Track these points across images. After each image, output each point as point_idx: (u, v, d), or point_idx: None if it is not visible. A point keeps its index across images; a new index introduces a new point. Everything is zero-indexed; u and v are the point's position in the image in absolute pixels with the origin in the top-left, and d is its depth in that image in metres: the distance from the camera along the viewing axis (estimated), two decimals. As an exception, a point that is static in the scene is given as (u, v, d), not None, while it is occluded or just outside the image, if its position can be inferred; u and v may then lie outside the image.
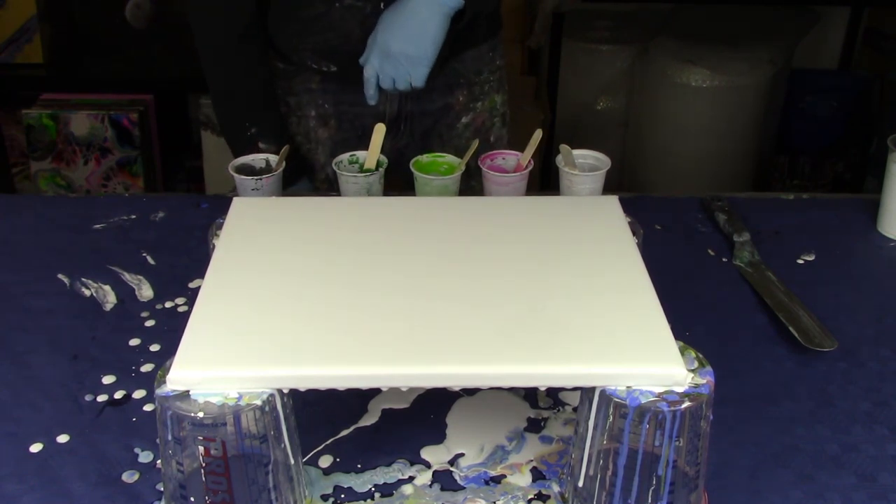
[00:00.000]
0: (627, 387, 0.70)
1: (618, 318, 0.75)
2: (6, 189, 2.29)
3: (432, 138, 1.39)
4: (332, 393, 0.73)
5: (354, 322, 0.75)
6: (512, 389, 0.92)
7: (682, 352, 0.72)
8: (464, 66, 1.35)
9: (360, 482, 0.82)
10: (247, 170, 1.15)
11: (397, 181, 1.41)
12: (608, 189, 1.15)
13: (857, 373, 0.97)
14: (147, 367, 0.96)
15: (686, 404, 0.69)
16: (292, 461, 0.74)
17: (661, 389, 0.70)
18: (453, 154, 1.19)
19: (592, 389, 0.71)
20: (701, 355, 0.74)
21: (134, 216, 1.26)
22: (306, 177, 1.37)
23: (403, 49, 1.15)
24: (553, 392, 0.92)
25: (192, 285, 1.10)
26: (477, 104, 1.38)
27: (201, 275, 0.82)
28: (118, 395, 0.93)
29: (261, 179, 1.11)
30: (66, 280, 1.11)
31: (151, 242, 1.20)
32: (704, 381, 0.71)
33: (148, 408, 0.91)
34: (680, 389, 0.70)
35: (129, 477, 0.82)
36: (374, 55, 1.18)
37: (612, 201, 0.94)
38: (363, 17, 1.22)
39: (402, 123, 1.37)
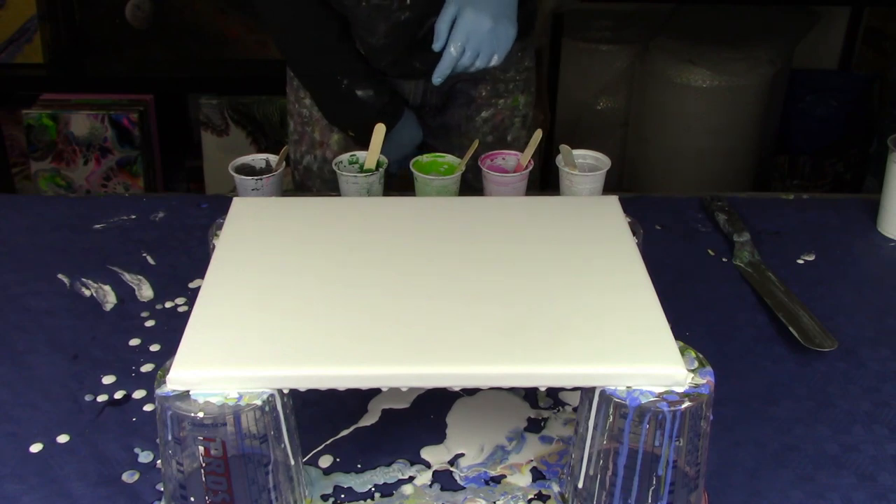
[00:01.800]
0: (627, 387, 0.70)
1: (618, 318, 0.75)
2: (6, 189, 2.29)
3: (450, 129, 1.39)
4: (332, 393, 0.73)
5: (354, 322, 0.75)
6: (512, 389, 0.92)
7: (682, 352, 0.72)
8: None
9: (360, 482, 0.82)
10: (247, 170, 1.15)
11: (394, 181, 1.41)
12: (608, 189, 1.15)
13: (857, 373, 0.97)
14: (147, 367, 0.96)
15: (686, 404, 0.69)
16: (292, 461, 0.74)
17: (661, 389, 0.70)
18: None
19: (592, 389, 0.71)
20: (701, 355, 0.74)
21: (134, 216, 1.26)
22: (405, 111, 1.34)
23: (497, 24, 1.13)
24: (553, 392, 0.92)
25: (192, 285, 1.10)
26: (499, 101, 1.38)
27: (201, 275, 0.82)
28: (118, 395, 0.93)
29: (261, 179, 1.11)
30: (66, 280, 1.11)
31: (151, 242, 1.20)
32: (704, 381, 0.71)
33: (148, 408, 0.91)
34: (680, 389, 0.70)
35: (129, 477, 0.82)
36: (461, 32, 1.14)
37: (612, 201, 0.94)
38: (389, 13, 1.22)
39: (424, 113, 1.38)
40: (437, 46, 1.16)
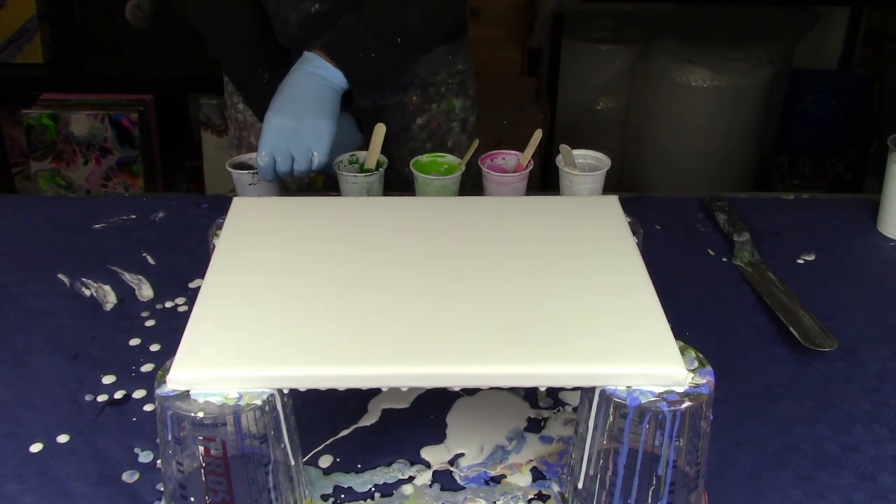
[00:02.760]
0: (627, 387, 0.70)
1: (618, 318, 0.75)
2: (6, 189, 2.29)
3: (389, 141, 1.33)
4: (332, 393, 0.73)
5: (354, 322, 0.75)
6: (512, 389, 0.92)
7: (682, 352, 0.72)
8: (418, 65, 1.32)
9: (360, 482, 0.82)
10: (244, 167, 1.15)
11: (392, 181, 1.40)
12: (608, 189, 1.15)
13: (857, 373, 0.97)
14: (147, 367, 0.96)
15: (686, 404, 0.69)
16: (292, 461, 0.74)
17: (661, 389, 0.70)
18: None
19: (592, 389, 0.71)
20: (701, 355, 0.74)
21: (134, 216, 1.26)
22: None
23: (301, 123, 1.09)
24: (553, 392, 0.92)
25: (192, 285, 1.10)
26: (432, 105, 1.36)
27: (201, 275, 0.82)
28: (118, 395, 0.93)
29: (257, 174, 1.11)
30: (66, 280, 1.11)
31: (151, 242, 1.20)
32: (704, 381, 0.71)
33: (148, 408, 0.91)
34: (680, 389, 0.70)
35: (129, 477, 0.82)
36: (266, 139, 1.10)
37: (612, 201, 0.94)
38: (297, 3, 1.20)
39: (359, 116, 1.36)
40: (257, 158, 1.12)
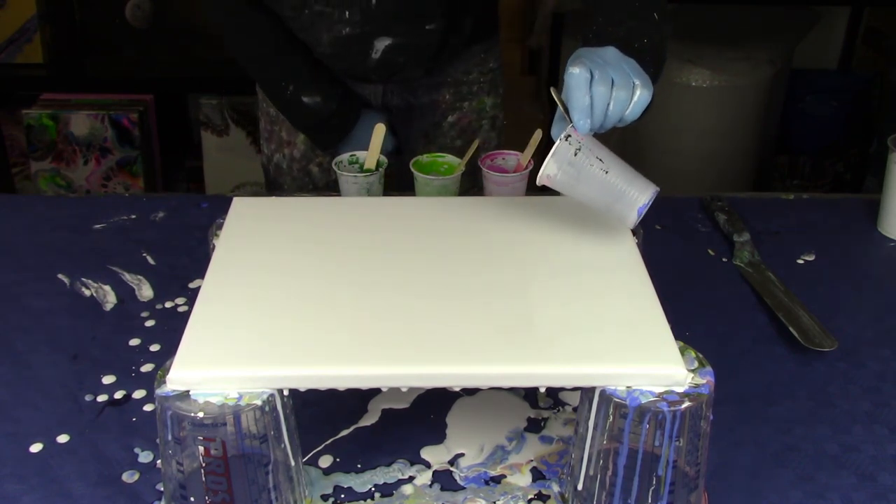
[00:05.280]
0: (627, 387, 0.70)
1: (618, 318, 0.75)
2: (6, 189, 2.29)
3: (417, 137, 1.37)
4: (332, 393, 0.73)
5: (354, 322, 0.75)
6: (512, 389, 0.92)
7: (682, 352, 0.72)
8: (451, 65, 1.32)
9: (360, 482, 0.82)
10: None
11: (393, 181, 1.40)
12: (608, 189, 1.15)
13: (857, 373, 0.97)
14: (147, 367, 0.96)
15: (686, 404, 0.69)
16: (292, 461, 0.74)
17: (661, 389, 0.70)
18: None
19: (592, 389, 0.71)
20: (701, 355, 0.74)
21: (134, 216, 1.26)
22: (372, 115, 1.32)
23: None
24: (553, 392, 0.92)
25: (192, 285, 1.10)
26: (464, 104, 1.36)
27: (201, 275, 0.82)
28: (118, 395, 0.93)
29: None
30: (66, 280, 1.11)
31: (151, 242, 1.20)
32: (704, 381, 0.71)
33: (148, 408, 0.91)
34: (680, 389, 0.70)
35: (129, 477, 0.82)
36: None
37: (612, 201, 0.94)
38: (331, 24, 1.19)
39: (392, 118, 1.36)
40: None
